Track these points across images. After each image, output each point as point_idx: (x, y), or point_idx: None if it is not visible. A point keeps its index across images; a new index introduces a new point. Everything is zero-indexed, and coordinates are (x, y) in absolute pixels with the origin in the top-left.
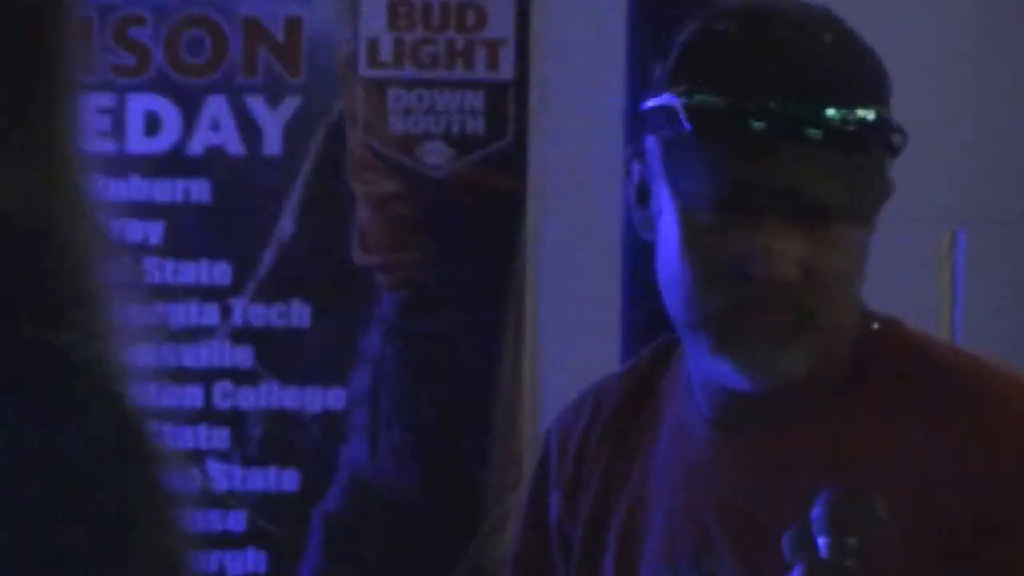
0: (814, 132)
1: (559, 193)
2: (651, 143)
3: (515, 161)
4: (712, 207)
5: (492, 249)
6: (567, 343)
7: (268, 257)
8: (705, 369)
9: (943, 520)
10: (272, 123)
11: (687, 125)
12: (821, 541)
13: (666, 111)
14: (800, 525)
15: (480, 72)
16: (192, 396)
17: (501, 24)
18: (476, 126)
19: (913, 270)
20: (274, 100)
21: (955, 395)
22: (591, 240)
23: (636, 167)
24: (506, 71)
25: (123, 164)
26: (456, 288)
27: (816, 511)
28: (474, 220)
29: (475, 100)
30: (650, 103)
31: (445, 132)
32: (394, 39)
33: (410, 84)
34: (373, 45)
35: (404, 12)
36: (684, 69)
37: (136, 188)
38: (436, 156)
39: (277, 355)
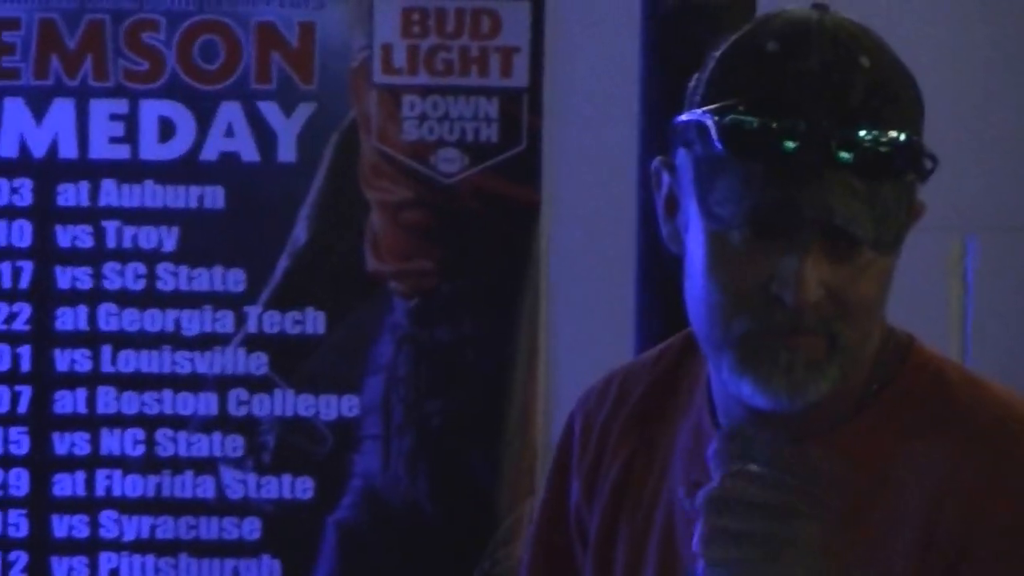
0: (844, 155)
1: (573, 201)
2: (682, 157)
3: (529, 169)
4: (741, 227)
5: (505, 257)
6: (580, 351)
7: (282, 264)
8: (727, 386)
9: (939, 541)
10: (286, 130)
11: (719, 144)
12: (716, 476)
13: (698, 128)
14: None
15: (494, 79)
16: (206, 403)
17: (515, 31)
18: (490, 133)
19: (924, 277)
20: (288, 107)
21: (963, 423)
22: (605, 248)
23: (666, 179)
24: (520, 78)
25: (137, 170)
26: (469, 296)
27: (709, 451)
28: (487, 227)
29: (489, 107)
30: (683, 117)
31: (459, 139)
32: (408, 46)
33: (424, 91)
34: (387, 52)
35: (418, 19)
36: (718, 86)
37: (150, 194)
38: (450, 163)
39: (291, 363)
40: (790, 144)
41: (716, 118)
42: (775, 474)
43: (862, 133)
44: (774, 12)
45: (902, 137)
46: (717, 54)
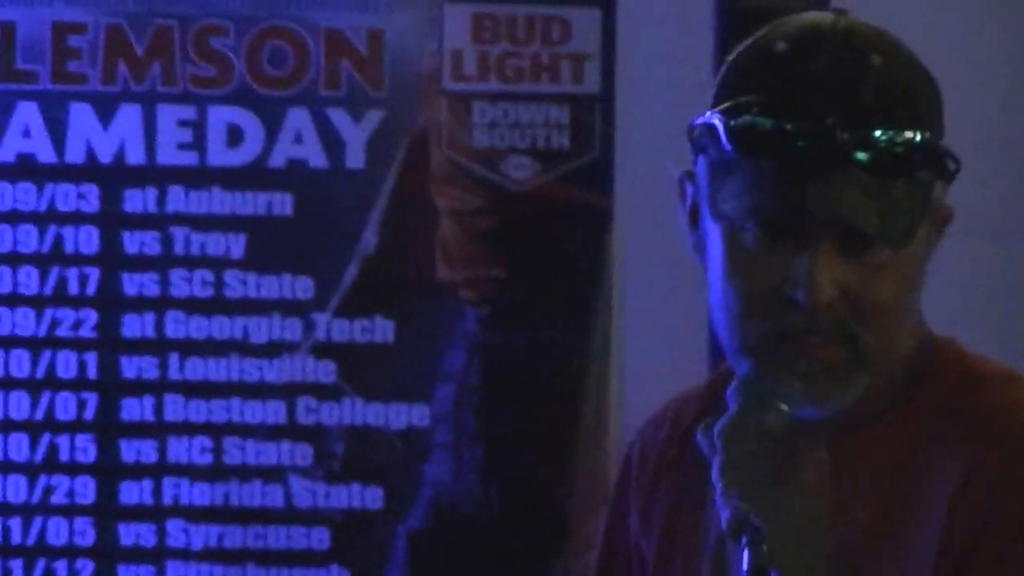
0: (860, 155)
1: (645, 208)
2: (700, 164)
3: (601, 176)
4: (754, 230)
5: (577, 265)
6: (653, 359)
7: (351, 272)
8: None
9: (953, 544)
10: (355, 136)
11: (728, 145)
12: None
13: (709, 130)
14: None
15: (565, 85)
16: (275, 412)
17: (586, 37)
18: (561, 140)
19: (998, 283)
20: (356, 113)
21: (984, 421)
22: (677, 256)
23: (688, 189)
24: (592, 84)
25: (204, 176)
26: (541, 304)
27: (729, 390)
28: (559, 235)
29: (560, 114)
30: (697, 121)
31: (530, 146)
32: (478, 52)
33: (494, 97)
34: (457, 58)
35: (488, 25)
36: (729, 88)
37: (218, 201)
38: (520, 170)
39: (360, 371)
40: (800, 143)
41: (725, 119)
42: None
43: (877, 133)
44: (790, 16)
45: (917, 137)
46: (730, 57)
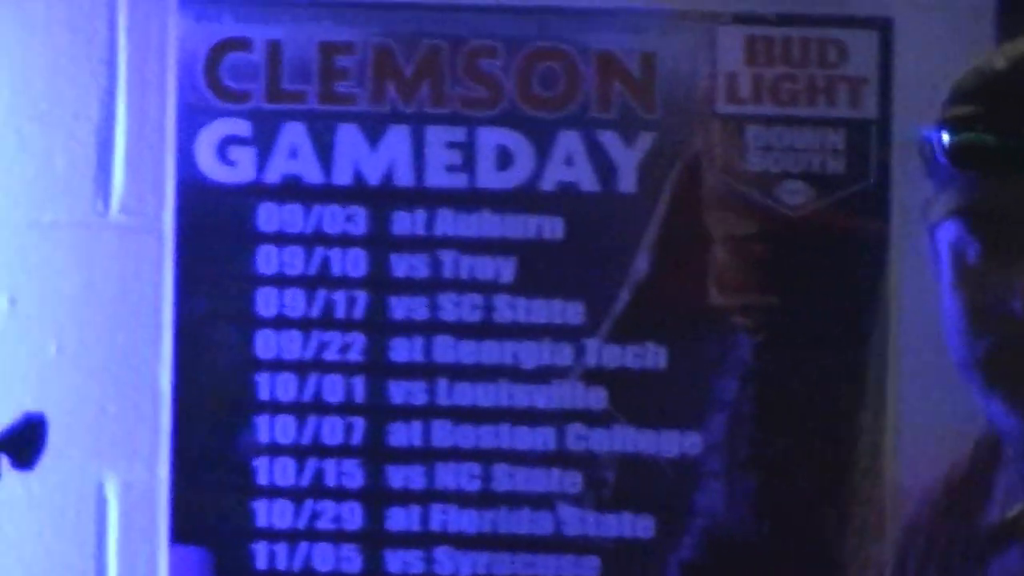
0: None
1: (922, 235)
2: (928, 184)
3: (877, 202)
4: (976, 244)
5: (853, 292)
6: (930, 388)
7: (623, 297)
8: (986, 415)
9: None
10: (626, 159)
11: (947, 161)
12: None
13: (929, 145)
14: None
15: (842, 109)
16: (544, 438)
17: (863, 61)
18: (837, 165)
19: None
20: (628, 136)
21: None
22: None
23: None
24: (869, 109)
25: (474, 199)
26: (815, 331)
27: None
28: (834, 262)
29: (836, 139)
30: (922, 138)
31: (805, 171)
32: (753, 75)
33: (769, 121)
34: (731, 81)
35: (763, 48)
36: (952, 105)
37: (487, 223)
38: (795, 196)
39: (631, 397)
40: (1019, 157)
41: (946, 136)
42: None
43: None
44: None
45: None
46: (955, 80)
